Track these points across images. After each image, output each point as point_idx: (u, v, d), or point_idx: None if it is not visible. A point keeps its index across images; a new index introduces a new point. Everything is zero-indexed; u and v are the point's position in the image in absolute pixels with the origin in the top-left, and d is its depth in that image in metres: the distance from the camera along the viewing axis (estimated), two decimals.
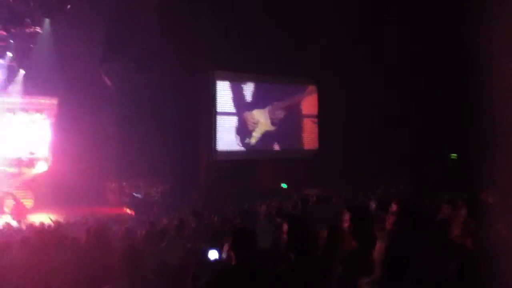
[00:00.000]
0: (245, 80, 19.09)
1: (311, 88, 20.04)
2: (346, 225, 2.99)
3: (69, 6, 16.10)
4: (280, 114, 19.72)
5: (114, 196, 16.54)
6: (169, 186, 16.82)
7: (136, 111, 16.57)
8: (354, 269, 2.70)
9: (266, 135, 19.35)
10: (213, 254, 3.15)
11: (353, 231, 2.89)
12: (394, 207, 2.98)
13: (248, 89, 19.22)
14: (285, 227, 2.75)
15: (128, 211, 14.97)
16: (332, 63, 16.61)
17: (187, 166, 16.87)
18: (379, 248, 2.55)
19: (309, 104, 20.09)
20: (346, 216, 2.99)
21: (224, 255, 3.22)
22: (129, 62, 16.77)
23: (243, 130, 18.88)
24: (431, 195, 7.10)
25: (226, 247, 3.07)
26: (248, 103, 19.21)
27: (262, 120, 19.52)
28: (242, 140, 18.93)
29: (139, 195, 15.77)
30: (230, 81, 18.80)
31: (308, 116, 20.10)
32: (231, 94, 18.76)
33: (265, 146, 19.34)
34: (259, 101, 19.48)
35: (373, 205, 4.51)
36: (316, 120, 19.97)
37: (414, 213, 2.90)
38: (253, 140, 19.23)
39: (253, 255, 2.54)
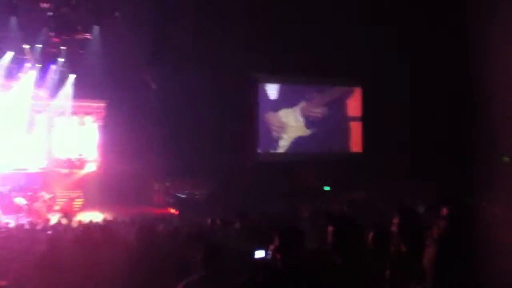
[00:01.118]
0: (287, 81, 19.03)
1: (355, 89, 19.73)
2: (395, 228, 2.93)
3: (117, 13, 16.68)
4: (321, 115, 19.42)
5: (159, 196, 16.93)
6: (212, 187, 17.03)
7: (181, 114, 16.89)
8: (403, 274, 2.65)
9: (306, 137, 19.10)
10: (259, 254, 3.17)
11: (402, 235, 2.83)
12: (444, 211, 2.90)
13: (290, 90, 19.11)
14: (331, 229, 2.72)
15: (173, 211, 15.27)
16: (377, 64, 16.34)
17: (230, 168, 17.03)
18: (429, 253, 2.48)
19: (353, 105, 19.77)
20: (395, 219, 2.93)
21: (270, 256, 3.23)
22: (174, 65, 17.13)
23: (282, 132, 18.79)
24: (480, 198, 6.84)
25: (272, 248, 3.08)
26: (289, 104, 19.08)
27: (299, 123, 19.27)
28: (280, 141, 18.85)
29: (183, 196, 16.06)
30: (272, 82, 18.81)
31: (352, 118, 19.76)
32: (274, 95, 18.75)
33: (307, 148, 19.11)
34: (300, 102, 19.33)
35: (421, 208, 4.41)
36: (360, 122, 19.63)
37: (465, 217, 2.80)
38: (288, 142, 19.01)
39: (300, 256, 2.54)
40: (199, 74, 17.16)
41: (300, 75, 18.84)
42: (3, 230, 10.03)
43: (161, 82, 17.87)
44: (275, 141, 18.95)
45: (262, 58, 17.46)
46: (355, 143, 19.72)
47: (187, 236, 5.25)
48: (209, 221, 7.32)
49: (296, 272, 2.48)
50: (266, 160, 17.99)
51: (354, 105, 19.76)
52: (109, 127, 18.40)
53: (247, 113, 18.44)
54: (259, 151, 18.12)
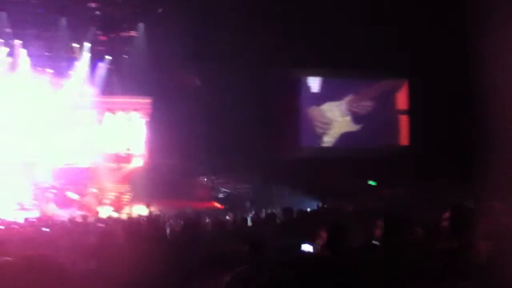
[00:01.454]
0: (331, 75, 18.77)
1: (402, 82, 19.20)
2: (445, 223, 2.86)
3: (160, 10, 17.03)
4: (369, 109, 18.95)
5: (203, 191, 17.19)
6: (255, 182, 17.14)
7: (224, 109, 17.07)
8: (452, 271, 2.58)
9: (353, 133, 18.73)
10: (306, 248, 3.18)
11: (453, 230, 2.76)
12: (496, 206, 2.81)
13: (334, 84, 18.83)
14: (380, 224, 2.69)
15: (217, 205, 15.49)
16: (425, 56, 15.85)
17: (273, 163, 17.06)
18: (480, 249, 2.41)
19: (399, 99, 19.23)
20: (446, 214, 2.86)
21: (316, 250, 3.23)
22: (217, 61, 17.31)
23: (327, 127, 18.57)
24: None
25: (319, 242, 3.08)
26: (334, 97, 18.78)
27: (345, 118, 18.93)
28: (325, 137, 18.64)
29: (227, 190, 16.26)
30: (315, 76, 18.62)
31: (400, 111, 19.19)
32: (316, 89, 18.56)
33: (353, 143, 18.74)
34: (344, 97, 19.01)
35: (471, 204, 4.27)
36: (407, 116, 19.07)
37: None
38: (332, 138, 18.72)
39: (347, 251, 2.53)
40: (242, 70, 17.27)
41: (343, 68, 18.55)
42: (57, 223, 10.51)
43: (205, 78, 18.12)
44: (319, 136, 18.73)
45: (304, 52, 17.33)
46: (402, 138, 19.21)
47: (232, 230, 5.32)
48: (253, 215, 7.39)
49: (345, 267, 2.47)
50: (309, 155, 17.86)
51: (401, 98, 19.19)
52: (155, 122, 18.84)
53: (290, 107, 18.36)
54: (301, 146, 18.02)
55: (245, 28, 16.53)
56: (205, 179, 17.43)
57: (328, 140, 18.59)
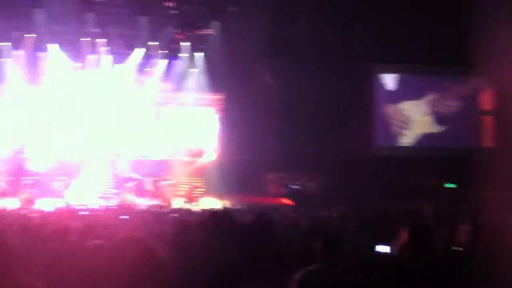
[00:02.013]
0: (408, 72, 17.99)
1: (484, 80, 17.98)
2: None
3: (235, 8, 17.28)
4: (451, 109, 17.89)
5: (273, 186, 17.26)
6: (326, 180, 16.90)
7: (296, 106, 17.00)
8: None
9: (435, 134, 17.78)
10: (383, 249, 3.06)
11: None
12: None
13: (411, 82, 18.04)
14: (467, 229, 2.52)
15: (287, 202, 15.46)
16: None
17: (345, 161, 16.72)
18: None
19: (483, 98, 17.99)
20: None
21: (395, 251, 3.10)
22: (290, 58, 17.27)
23: (405, 127, 17.82)
24: None
25: (397, 243, 2.94)
26: (413, 96, 17.96)
27: (426, 118, 18.04)
28: (402, 136, 17.94)
29: (297, 187, 16.17)
30: (392, 72, 17.96)
31: (484, 111, 17.95)
32: (394, 87, 17.88)
33: (431, 143, 17.82)
34: (421, 95, 18.15)
35: None
36: (491, 116, 17.82)
37: None
38: (411, 139, 17.91)
39: (429, 254, 2.39)
40: (314, 66, 17.08)
41: (423, 65, 17.69)
42: (134, 212, 11.05)
43: (278, 74, 18.14)
44: (395, 135, 18.00)
45: (381, 48, 16.76)
46: (487, 139, 17.97)
47: (306, 227, 5.26)
48: (325, 213, 7.27)
49: (425, 270, 2.34)
50: (384, 154, 17.25)
51: (485, 97, 17.93)
52: (227, 118, 19.20)
53: (365, 104, 17.86)
54: (376, 144, 17.47)
55: (319, 24, 16.30)
56: (276, 175, 17.46)
57: (406, 140, 17.79)
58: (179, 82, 19.69)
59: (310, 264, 3.40)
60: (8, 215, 10.12)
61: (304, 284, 3.09)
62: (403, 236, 2.46)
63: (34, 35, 18.08)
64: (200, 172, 18.07)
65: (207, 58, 19.07)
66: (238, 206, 11.74)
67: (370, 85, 18.25)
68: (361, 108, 17.77)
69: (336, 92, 17.02)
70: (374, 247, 3.36)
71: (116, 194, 15.79)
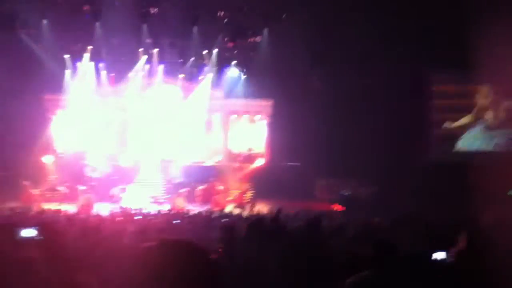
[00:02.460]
0: (464, 79, 17.34)
1: None
2: None
3: (284, 15, 17.33)
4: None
5: (322, 192, 17.06)
6: (377, 187, 16.48)
7: (346, 112, 16.73)
8: None
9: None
10: (439, 256, 2.93)
11: None
12: None
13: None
14: None
15: (338, 207, 15.21)
16: None
17: (398, 167, 16.23)
18: None
19: None
20: None
21: (451, 258, 2.97)
22: (339, 64, 17.05)
23: (459, 132, 17.15)
24: None
25: (455, 250, 2.82)
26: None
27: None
28: (458, 142, 17.28)
29: (346, 194, 15.87)
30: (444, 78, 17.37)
31: None
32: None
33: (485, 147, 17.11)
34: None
35: None
36: None
37: None
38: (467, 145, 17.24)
39: (487, 261, 2.27)
40: (365, 73, 16.77)
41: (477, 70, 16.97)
42: (186, 216, 11.26)
43: (326, 80, 17.98)
44: (451, 141, 17.43)
45: (434, 54, 16.21)
46: None
47: (357, 234, 5.15)
48: (376, 220, 7.09)
49: (484, 277, 2.22)
50: (439, 160, 16.63)
51: None
52: (276, 124, 19.25)
53: (418, 110, 17.32)
54: (431, 150, 16.88)
55: (370, 30, 16.00)
56: (326, 181, 17.24)
57: (462, 146, 17.21)
58: (230, 89, 20.02)
59: (360, 270, 3.32)
60: (68, 219, 10.62)
61: None
62: (461, 243, 2.35)
63: (91, 47, 19.03)
64: (250, 178, 18.18)
65: (256, 65, 19.25)
66: (287, 212, 11.66)
67: (425, 90, 17.69)
68: (415, 113, 17.22)
69: (388, 97, 16.59)
70: (430, 255, 3.22)
71: (168, 199, 16.17)
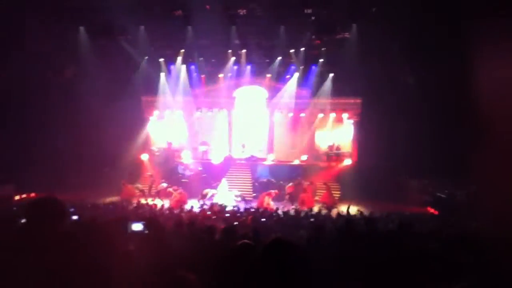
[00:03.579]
0: None
1: None
2: None
3: (374, 9, 16.77)
4: None
5: (415, 194, 16.24)
6: (476, 188, 15.31)
7: (438, 109, 15.75)
8: None
9: None
10: None
11: None
12: None
13: None
14: None
15: (431, 210, 14.41)
16: None
17: (498, 167, 14.94)
18: None
19: None
20: None
21: None
22: (430, 60, 16.11)
23: None
24: None
25: None
26: None
27: None
28: None
29: (442, 196, 14.92)
30: None
31: None
32: None
33: None
34: None
35: None
36: None
37: None
38: None
39: None
40: (456, 68, 15.67)
41: None
42: (273, 215, 11.38)
43: (417, 77, 17.12)
44: None
45: None
46: None
47: (453, 239, 4.86)
48: (476, 224, 6.63)
49: None
50: None
51: None
52: (364, 122, 18.76)
53: None
54: None
55: (464, 24, 14.93)
56: (417, 182, 16.37)
57: None
58: (316, 88, 19.85)
59: (460, 278, 3.14)
60: (164, 214, 11.26)
61: None
62: None
63: (183, 50, 19.96)
64: (337, 177, 17.90)
65: (344, 62, 18.89)
66: (377, 213, 11.29)
67: None
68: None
69: (482, 94, 15.32)
70: None
71: (256, 197, 16.43)
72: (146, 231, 3.37)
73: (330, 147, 19.71)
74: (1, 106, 15.64)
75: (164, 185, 16.90)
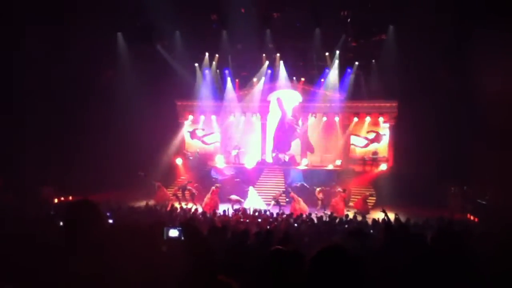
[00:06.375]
0: None
1: None
2: None
3: (410, 12, 16.38)
4: None
5: (455, 200, 15.63)
6: None
7: (478, 113, 15.12)
8: None
9: None
10: None
11: None
12: None
13: None
14: None
15: (471, 217, 13.85)
16: None
17: None
18: None
19: None
20: None
21: None
22: (470, 62, 15.53)
23: None
24: None
25: None
26: None
27: None
28: None
29: (483, 202, 14.30)
30: None
31: None
32: None
33: None
34: None
35: None
36: None
37: None
38: None
39: None
40: (495, 71, 15.03)
41: None
42: (307, 220, 11.25)
43: (457, 79, 16.55)
44: None
45: None
46: None
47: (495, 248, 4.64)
48: None
49: None
50: None
51: None
52: (400, 126, 18.33)
53: None
54: None
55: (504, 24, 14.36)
56: (458, 188, 15.77)
57: None
58: (351, 91, 19.50)
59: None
60: (198, 218, 11.32)
61: None
62: None
63: (218, 55, 20.11)
64: (372, 182, 17.52)
65: (380, 64, 18.57)
66: (414, 220, 10.94)
67: None
68: None
69: None
70: None
71: (288, 202, 16.29)
72: (182, 238, 3.35)
73: (366, 152, 19.40)
74: (43, 111, 16.16)
75: (193, 189, 16.99)
